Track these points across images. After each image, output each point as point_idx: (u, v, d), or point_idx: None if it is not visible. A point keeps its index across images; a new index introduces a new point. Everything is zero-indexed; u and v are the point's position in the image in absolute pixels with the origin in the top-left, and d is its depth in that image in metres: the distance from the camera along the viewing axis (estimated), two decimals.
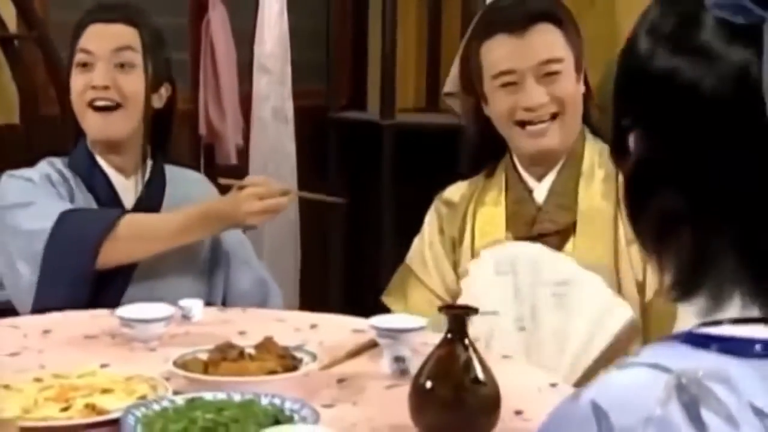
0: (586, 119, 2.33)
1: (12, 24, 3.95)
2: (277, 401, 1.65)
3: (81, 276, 2.28)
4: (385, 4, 4.37)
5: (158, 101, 2.50)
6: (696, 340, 1.00)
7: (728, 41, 1.00)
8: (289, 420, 1.59)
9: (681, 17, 1.05)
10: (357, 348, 2.03)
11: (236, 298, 2.50)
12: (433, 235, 2.39)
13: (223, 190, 2.43)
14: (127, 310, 2.09)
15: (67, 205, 2.35)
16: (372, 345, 2.04)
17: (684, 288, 1.05)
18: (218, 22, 4.51)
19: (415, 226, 4.58)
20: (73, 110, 2.45)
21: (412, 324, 2.02)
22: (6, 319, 2.20)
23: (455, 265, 2.35)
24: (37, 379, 1.77)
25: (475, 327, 2.17)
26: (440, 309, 1.63)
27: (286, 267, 3.89)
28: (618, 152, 1.13)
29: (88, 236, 2.27)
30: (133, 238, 2.30)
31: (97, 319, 2.21)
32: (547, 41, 2.24)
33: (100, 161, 2.46)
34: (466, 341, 1.59)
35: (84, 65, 2.41)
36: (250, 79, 4.16)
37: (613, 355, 2.13)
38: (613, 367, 1.03)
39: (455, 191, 2.42)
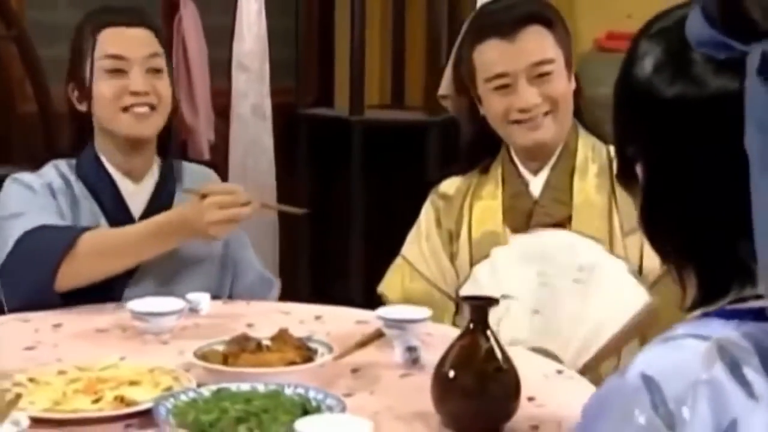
0: (578, 114, 2.36)
1: None
2: (301, 391, 1.66)
3: (42, 296, 2.20)
4: (353, 4, 4.37)
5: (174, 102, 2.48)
6: (727, 314, 1.07)
7: (715, 73, 1.07)
8: (317, 409, 1.60)
9: (669, 53, 1.11)
10: (365, 338, 2.04)
11: (242, 294, 2.48)
12: (430, 228, 2.41)
13: None
14: (138, 304, 2.09)
15: (54, 220, 2.27)
16: (379, 335, 2.06)
17: (712, 297, 1.11)
18: (190, 20, 4.49)
19: (384, 219, 4.62)
20: (93, 114, 2.38)
21: (418, 315, 2.05)
22: (15, 313, 2.17)
23: (452, 257, 2.37)
24: (61, 372, 1.77)
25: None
26: (462, 299, 1.66)
27: (264, 262, 3.89)
28: (625, 177, 1.20)
29: (46, 258, 2.17)
30: (92, 255, 2.19)
31: (106, 313, 2.21)
32: (537, 43, 2.26)
33: (109, 167, 2.40)
34: (488, 331, 1.61)
35: (115, 71, 2.33)
36: (228, 77, 4.14)
37: (626, 339, 2.17)
38: (651, 344, 1.07)
39: (450, 185, 2.43)
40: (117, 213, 2.39)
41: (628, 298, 2.14)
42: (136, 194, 2.42)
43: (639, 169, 1.16)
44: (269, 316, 2.21)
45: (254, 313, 2.26)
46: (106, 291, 2.28)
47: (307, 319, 2.18)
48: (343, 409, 1.60)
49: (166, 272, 2.36)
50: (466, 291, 2.28)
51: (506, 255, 2.24)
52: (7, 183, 2.38)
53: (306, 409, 1.60)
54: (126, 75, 2.33)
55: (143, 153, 2.41)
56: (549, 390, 1.76)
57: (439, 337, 2.06)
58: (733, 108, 1.03)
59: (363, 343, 2.03)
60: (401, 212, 4.55)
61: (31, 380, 1.72)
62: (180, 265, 2.38)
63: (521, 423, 1.61)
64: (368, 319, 2.19)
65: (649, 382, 1.00)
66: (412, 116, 4.58)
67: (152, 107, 2.34)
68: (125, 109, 2.32)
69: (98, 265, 2.21)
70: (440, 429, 1.60)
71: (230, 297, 2.46)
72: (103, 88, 2.34)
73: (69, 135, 2.53)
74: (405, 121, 4.55)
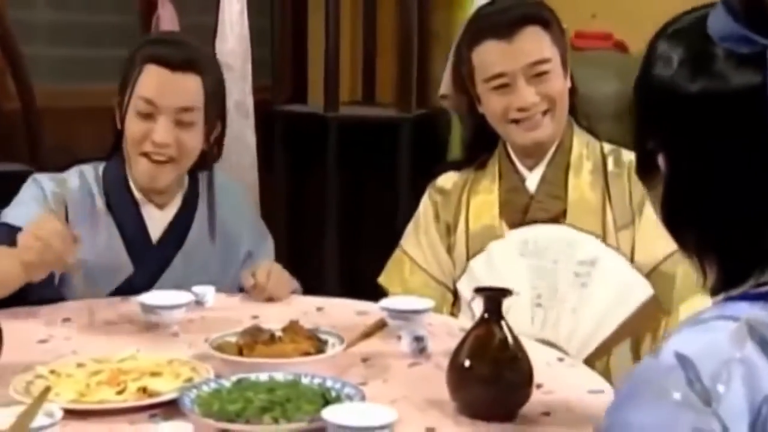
0: (573, 112, 2.38)
1: None
2: (319, 381, 1.67)
3: None
4: (328, 4, 4.38)
5: (207, 144, 2.37)
6: (752, 297, 1.10)
7: (737, 68, 1.10)
8: (337, 398, 1.61)
9: (690, 51, 1.15)
10: (369, 329, 2.05)
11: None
12: (428, 222, 2.43)
13: None
14: (148, 297, 2.08)
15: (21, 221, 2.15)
16: (382, 325, 2.07)
17: (733, 282, 1.14)
18: (167, 20, 4.46)
19: (358, 213, 4.63)
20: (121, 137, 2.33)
21: (421, 306, 2.07)
22: (22, 307, 2.16)
23: (449, 249, 2.39)
24: (80, 365, 1.77)
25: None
26: (475, 291, 1.66)
27: None
28: (644, 171, 1.23)
29: None
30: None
31: (113, 306, 2.20)
32: (534, 43, 2.28)
33: (135, 191, 2.35)
34: (502, 321, 1.63)
35: (145, 115, 2.25)
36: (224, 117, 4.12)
37: (630, 331, 2.20)
38: (681, 327, 1.10)
39: (447, 180, 2.45)
40: (135, 235, 2.35)
41: (632, 291, 2.17)
42: (157, 219, 2.37)
43: (661, 163, 1.19)
44: (272, 308, 2.22)
45: (257, 305, 2.26)
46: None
47: (309, 310, 2.19)
48: (363, 398, 1.61)
49: (187, 278, 2.32)
50: (463, 285, 2.31)
51: (502, 249, 2.27)
52: (29, 180, 2.34)
53: (326, 398, 1.60)
54: (154, 121, 2.25)
55: (162, 194, 2.37)
56: (554, 377, 1.78)
57: (439, 327, 2.09)
58: (755, 102, 1.07)
59: (368, 334, 2.03)
60: (375, 206, 4.60)
61: (52, 372, 1.72)
62: (201, 271, 2.35)
63: (533, 409, 1.63)
64: (369, 310, 2.21)
65: (683, 360, 1.03)
66: (384, 112, 4.58)
67: (171, 159, 2.28)
68: (145, 154, 2.27)
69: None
70: (456, 416, 1.62)
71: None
72: (131, 126, 2.28)
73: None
74: (378, 117, 4.55)
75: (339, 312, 2.20)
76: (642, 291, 2.18)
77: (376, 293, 2.45)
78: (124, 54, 4.47)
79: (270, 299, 2.27)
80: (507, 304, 2.12)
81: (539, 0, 2.44)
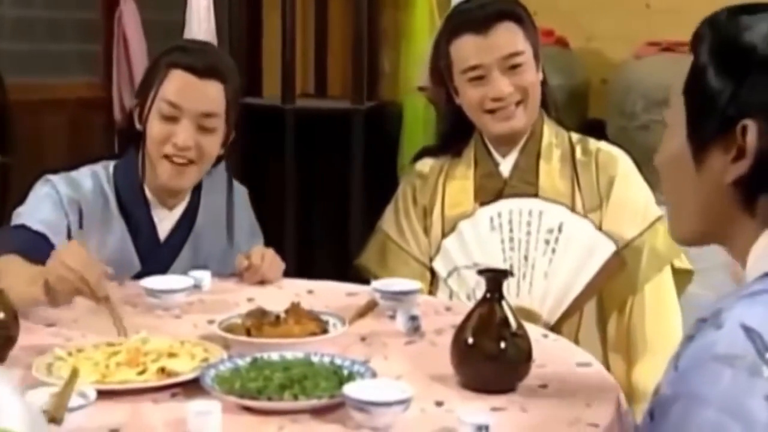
0: (544, 104, 2.41)
1: None
2: (328, 359, 1.68)
3: None
4: (285, 2, 4.36)
5: (222, 149, 2.33)
6: None
7: None
8: (350, 376, 1.61)
9: None
10: (362, 309, 2.06)
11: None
12: (407, 205, 2.44)
13: None
14: (150, 282, 2.07)
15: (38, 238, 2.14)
16: (373, 306, 2.08)
17: None
18: (130, 15, 4.44)
19: (314, 198, 4.62)
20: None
21: (411, 287, 2.08)
22: None
23: (426, 231, 2.41)
24: (96, 346, 1.75)
25: (463, 280, 2.26)
26: (479, 272, 1.67)
27: None
28: (708, 143, 1.20)
29: None
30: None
31: (115, 290, 2.16)
32: (508, 37, 2.30)
33: (148, 193, 2.32)
34: (503, 300, 1.64)
35: (168, 118, 2.22)
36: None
37: (596, 288, 2.27)
38: (735, 301, 1.09)
39: (425, 165, 2.47)
40: (145, 236, 2.33)
41: (596, 250, 2.24)
42: (165, 219, 2.35)
43: (751, 135, 1.15)
44: (265, 291, 2.22)
45: (252, 288, 2.26)
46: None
47: (300, 293, 2.17)
48: (374, 375, 1.62)
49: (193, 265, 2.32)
50: (438, 264, 2.33)
51: (472, 226, 2.31)
52: (41, 181, 2.28)
53: (339, 375, 1.61)
54: (176, 123, 2.22)
55: (177, 195, 2.35)
56: (544, 352, 1.79)
57: (427, 306, 2.11)
58: None
59: (361, 314, 2.05)
60: (330, 191, 4.60)
61: (70, 354, 1.70)
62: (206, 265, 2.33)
63: (531, 382, 1.65)
64: (357, 291, 2.23)
65: (750, 332, 1.03)
66: (337, 104, 4.59)
67: (191, 161, 2.25)
68: (166, 156, 2.24)
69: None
70: (459, 389, 1.63)
71: None
72: (154, 128, 2.24)
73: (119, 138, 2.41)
74: (333, 109, 4.55)
75: (330, 294, 2.20)
76: (605, 248, 2.26)
77: (330, 273, 2.49)
78: (86, 48, 4.44)
79: (263, 281, 2.27)
80: (476, 280, 2.18)
81: None
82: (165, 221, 2.35)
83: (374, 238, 2.49)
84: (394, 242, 2.42)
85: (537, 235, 2.26)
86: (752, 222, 1.19)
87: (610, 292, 2.31)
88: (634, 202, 2.33)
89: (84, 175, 2.31)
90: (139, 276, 2.22)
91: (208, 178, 2.39)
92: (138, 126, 2.30)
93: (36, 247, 2.06)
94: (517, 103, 2.31)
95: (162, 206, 2.34)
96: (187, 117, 2.22)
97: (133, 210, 2.32)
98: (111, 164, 2.36)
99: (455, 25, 2.34)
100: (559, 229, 2.26)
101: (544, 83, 2.39)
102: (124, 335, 1.84)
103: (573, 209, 2.30)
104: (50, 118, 4.36)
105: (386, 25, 4.78)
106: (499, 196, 2.35)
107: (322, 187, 4.66)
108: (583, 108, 4.16)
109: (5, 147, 3.80)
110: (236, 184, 2.50)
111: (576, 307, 2.25)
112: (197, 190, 2.39)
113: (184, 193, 2.36)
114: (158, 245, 2.34)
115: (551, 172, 2.35)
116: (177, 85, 2.22)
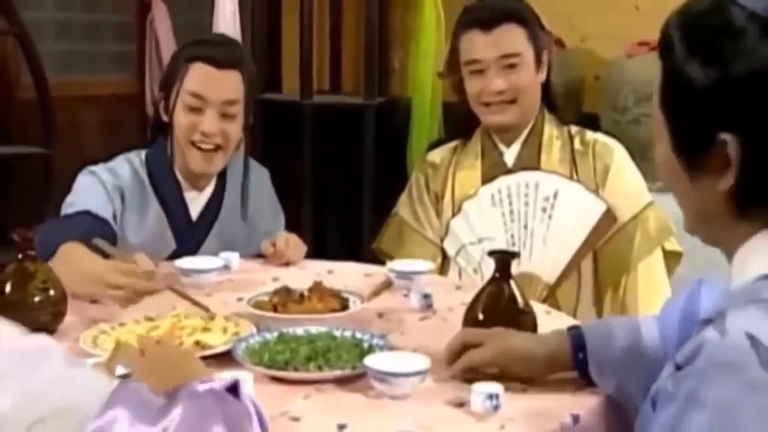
0: (548, 101, 2.41)
1: None
2: (349, 333, 1.67)
3: None
4: (303, 4, 4.34)
5: (243, 132, 2.33)
6: None
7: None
8: (370, 348, 1.60)
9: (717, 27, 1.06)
10: (378, 287, 2.06)
11: None
12: (421, 192, 2.43)
13: None
14: (184, 262, 2.07)
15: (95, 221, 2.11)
16: (388, 284, 2.07)
17: None
18: (161, 18, 4.42)
19: (329, 186, 4.61)
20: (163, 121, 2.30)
21: (423, 267, 2.08)
22: None
23: (438, 215, 2.41)
24: (136, 321, 1.75)
25: (470, 255, 2.26)
26: (488, 254, 1.66)
27: None
28: (699, 162, 1.09)
29: (45, 247, 1.89)
30: (59, 262, 1.88)
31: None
32: (509, 38, 2.30)
33: (179, 177, 2.32)
34: (510, 280, 1.64)
35: (194, 109, 2.22)
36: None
37: (590, 247, 2.27)
38: (740, 306, 1.02)
39: (436, 155, 2.47)
40: (179, 216, 2.32)
41: (587, 211, 2.24)
42: (196, 200, 2.35)
43: (731, 150, 1.05)
44: (289, 271, 2.21)
45: (276, 268, 2.25)
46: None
47: (321, 272, 2.17)
48: (391, 348, 1.61)
49: (217, 249, 2.30)
50: (447, 244, 2.34)
51: (475, 205, 2.32)
52: (84, 172, 2.27)
53: (360, 348, 1.60)
54: (202, 113, 2.22)
55: (205, 178, 2.35)
56: (547, 328, 1.77)
57: (438, 286, 2.09)
58: None
59: (377, 292, 2.04)
60: (344, 180, 4.60)
61: (113, 328, 1.70)
62: (230, 246, 2.32)
63: None
64: (373, 271, 2.22)
65: (754, 342, 0.96)
66: (351, 100, 4.57)
67: (218, 147, 2.25)
68: (194, 143, 2.24)
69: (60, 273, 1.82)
70: None
71: None
72: (181, 118, 2.24)
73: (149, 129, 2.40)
74: (347, 104, 4.54)
75: (348, 274, 2.19)
76: (597, 208, 2.26)
77: (344, 254, 2.50)
78: (121, 49, 4.42)
79: (287, 264, 2.26)
80: (481, 253, 2.17)
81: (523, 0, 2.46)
82: (195, 202, 2.34)
83: (390, 223, 2.48)
84: (410, 226, 2.42)
85: (534, 204, 2.27)
86: (748, 226, 1.10)
87: (605, 271, 2.30)
88: (628, 188, 2.33)
89: (120, 163, 2.31)
90: (172, 256, 2.22)
91: (232, 163, 2.39)
92: (164, 117, 2.30)
93: (101, 233, 2.03)
94: (511, 101, 2.31)
95: (192, 188, 2.34)
96: (211, 106, 2.22)
97: (166, 192, 2.31)
98: (143, 152, 2.35)
99: (466, 21, 2.35)
100: (555, 196, 2.27)
101: (547, 83, 2.38)
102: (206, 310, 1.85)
103: None
104: (87, 113, 4.36)
105: (396, 25, 4.77)
106: None
107: (337, 176, 4.65)
108: (578, 103, 4.14)
109: (48, 140, 3.80)
110: (257, 166, 2.50)
111: (573, 265, 2.26)
112: (223, 173, 2.39)
113: (211, 176, 2.36)
114: (191, 225, 2.33)
115: (551, 161, 2.34)
116: (199, 77, 2.23)
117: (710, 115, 1.06)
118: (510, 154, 2.37)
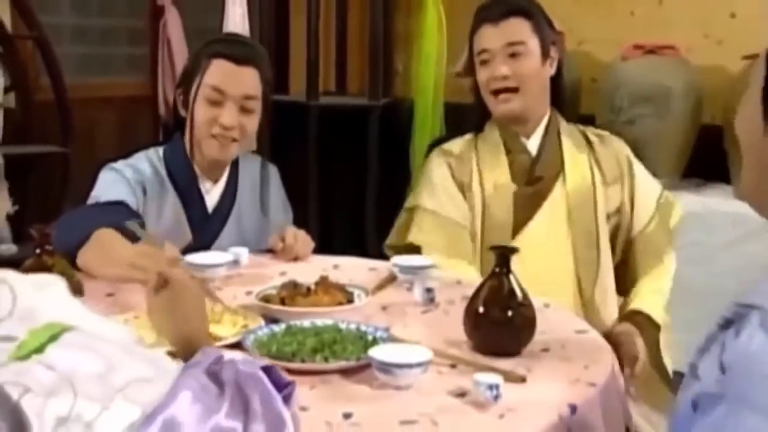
0: (557, 99, 2.41)
1: (8, 25, 3.80)
2: (354, 326, 1.66)
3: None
4: (310, 5, 4.34)
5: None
6: None
7: None
8: (374, 341, 1.60)
9: None
10: (382, 282, 2.05)
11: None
12: (446, 180, 2.37)
13: None
14: (194, 257, 2.06)
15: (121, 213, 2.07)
16: (392, 279, 2.07)
17: None
18: (173, 23, 4.42)
19: (335, 183, 4.61)
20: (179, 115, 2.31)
21: (426, 263, 2.07)
22: None
23: (465, 200, 2.37)
24: None
25: None
26: (489, 249, 1.66)
27: None
28: None
29: (71, 237, 1.89)
30: (90, 251, 1.88)
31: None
32: (515, 29, 2.32)
33: (196, 169, 2.32)
34: (510, 274, 1.63)
35: (214, 102, 2.23)
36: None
37: None
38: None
39: (454, 146, 2.43)
40: (195, 207, 2.32)
41: None
42: (211, 192, 2.35)
43: None
44: (296, 266, 2.20)
45: (284, 263, 2.24)
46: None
47: (327, 267, 2.17)
48: (395, 340, 1.61)
49: (234, 241, 2.32)
50: None
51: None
52: (106, 169, 2.27)
53: (365, 340, 1.60)
54: (221, 107, 2.23)
55: (220, 169, 2.36)
56: (545, 320, 1.77)
57: (437, 280, 2.07)
58: None
59: (381, 286, 2.03)
60: (349, 177, 4.59)
61: (127, 321, 1.69)
62: (246, 237, 2.34)
63: (534, 347, 1.64)
64: (377, 266, 2.21)
65: None
66: (356, 101, 4.57)
67: (235, 140, 2.26)
68: (213, 136, 2.25)
69: (88, 261, 1.86)
70: (471, 353, 1.62)
71: None
72: (200, 112, 2.25)
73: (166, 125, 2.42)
74: (352, 105, 4.54)
75: (353, 268, 2.19)
76: None
77: (348, 249, 2.48)
78: (135, 52, 4.42)
79: (296, 259, 2.26)
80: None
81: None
82: (211, 193, 2.35)
83: (402, 218, 2.42)
84: (430, 212, 2.35)
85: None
86: None
87: (643, 255, 2.38)
88: (648, 176, 2.43)
89: (140, 159, 2.32)
90: (190, 249, 2.21)
91: (244, 159, 2.40)
92: (182, 112, 2.30)
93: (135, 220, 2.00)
94: (515, 89, 2.31)
95: (208, 179, 2.34)
96: (230, 100, 2.23)
97: (184, 185, 2.32)
98: (160, 149, 2.36)
99: (478, 20, 2.37)
100: None
101: (557, 79, 2.39)
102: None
103: (593, 181, 2.35)
104: (103, 113, 4.36)
105: (399, 29, 4.77)
106: (531, 170, 2.36)
107: (342, 175, 4.65)
108: (575, 104, 4.13)
109: (66, 139, 3.81)
110: (268, 164, 2.52)
111: None
112: (235, 167, 2.39)
113: (224, 165, 2.36)
114: (207, 216, 2.33)
115: (572, 150, 2.37)
116: (220, 72, 2.23)
117: None
118: (533, 143, 2.38)
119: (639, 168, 2.40)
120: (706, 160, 3.71)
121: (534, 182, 2.35)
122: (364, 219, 4.39)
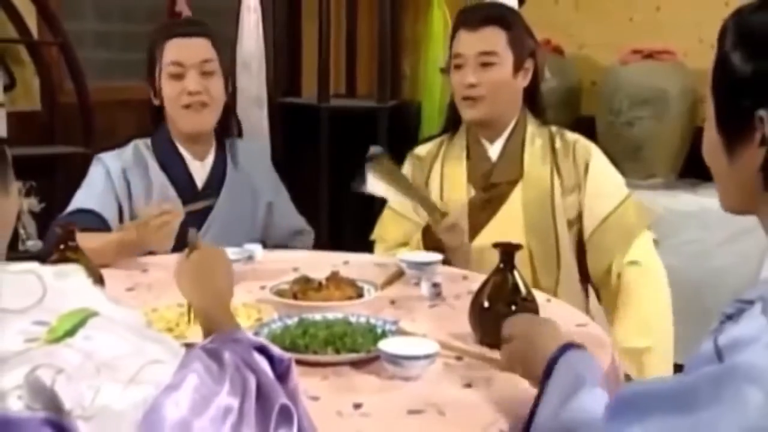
0: (533, 105, 2.39)
1: (34, 31, 3.80)
2: (364, 319, 1.66)
3: None
4: (321, 11, 4.33)
5: (226, 95, 2.43)
6: None
7: None
8: (383, 334, 1.59)
9: None
10: (390, 277, 2.05)
11: (275, 243, 2.48)
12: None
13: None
14: None
15: (95, 201, 2.26)
16: (400, 274, 2.06)
17: None
18: None
19: (345, 184, 4.58)
20: (165, 108, 2.38)
21: (434, 258, 2.06)
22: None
23: None
24: (168, 307, 1.74)
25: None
26: (493, 246, 1.65)
27: None
28: (737, 137, 1.09)
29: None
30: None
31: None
32: (490, 39, 2.29)
33: (181, 149, 2.40)
34: (514, 270, 1.62)
35: (176, 76, 2.32)
36: (234, 75, 4.07)
37: None
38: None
39: (423, 149, 2.47)
40: (184, 185, 2.38)
41: None
42: (199, 170, 2.41)
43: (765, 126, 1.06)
44: (308, 262, 2.20)
45: (295, 259, 2.24)
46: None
47: (337, 263, 2.15)
48: (403, 333, 1.60)
49: (225, 227, 2.34)
50: None
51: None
52: (94, 161, 2.39)
53: (374, 333, 1.59)
54: (184, 78, 2.32)
55: (203, 140, 2.42)
56: (547, 314, 1.75)
57: (445, 275, 2.07)
58: None
59: (389, 281, 2.03)
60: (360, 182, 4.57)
61: (146, 314, 1.69)
62: (236, 222, 2.35)
63: None
64: (386, 262, 2.20)
65: None
66: (365, 103, 4.56)
67: (204, 104, 2.33)
68: (185, 107, 2.31)
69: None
70: (476, 346, 1.62)
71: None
72: (167, 89, 2.34)
73: (149, 117, 2.48)
74: (361, 107, 4.53)
75: (361, 265, 2.18)
76: None
77: (358, 247, 2.47)
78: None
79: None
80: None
81: (509, 7, 2.50)
82: (199, 172, 2.41)
83: (384, 216, 2.51)
84: (392, 210, 2.45)
85: None
86: None
87: (592, 261, 2.30)
88: (608, 182, 2.32)
89: (127, 147, 2.42)
90: (184, 225, 2.20)
91: (233, 143, 2.49)
92: (154, 101, 2.39)
93: (92, 222, 2.17)
94: (481, 97, 2.29)
95: (194, 158, 2.40)
96: (191, 69, 2.31)
97: (172, 164, 2.39)
98: (149, 139, 2.44)
99: (458, 22, 2.36)
100: None
101: (535, 89, 2.37)
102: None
103: (552, 190, 2.30)
104: (123, 115, 4.35)
105: (407, 34, 4.76)
106: (488, 176, 2.34)
107: (352, 175, 4.61)
108: (575, 106, 4.12)
109: (88, 140, 3.81)
110: (252, 144, 2.67)
111: None
112: (222, 149, 2.45)
113: (208, 141, 2.42)
114: (197, 193, 2.38)
115: (533, 158, 2.33)
116: (175, 48, 2.33)
117: (751, 90, 1.07)
118: (494, 150, 2.36)
119: (596, 173, 2.30)
120: (701, 160, 3.68)
121: (489, 188, 2.33)
122: (372, 216, 4.35)
